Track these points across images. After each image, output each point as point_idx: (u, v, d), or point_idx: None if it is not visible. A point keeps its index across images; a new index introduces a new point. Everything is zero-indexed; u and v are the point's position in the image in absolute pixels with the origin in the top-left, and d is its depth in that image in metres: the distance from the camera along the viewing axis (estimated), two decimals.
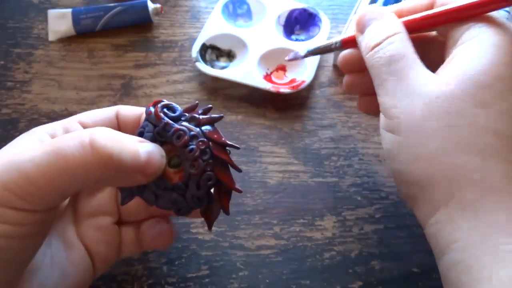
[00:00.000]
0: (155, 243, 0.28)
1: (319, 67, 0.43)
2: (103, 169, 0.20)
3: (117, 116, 0.27)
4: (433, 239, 0.22)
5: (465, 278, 0.20)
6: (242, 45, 0.43)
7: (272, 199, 0.36)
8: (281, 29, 0.45)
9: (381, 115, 0.25)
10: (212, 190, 0.25)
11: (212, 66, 0.42)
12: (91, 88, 0.42)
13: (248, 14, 0.47)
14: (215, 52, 0.44)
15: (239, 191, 0.25)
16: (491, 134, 0.21)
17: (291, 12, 0.46)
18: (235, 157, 0.38)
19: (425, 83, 0.23)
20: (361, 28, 0.27)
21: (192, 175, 0.23)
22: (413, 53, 0.24)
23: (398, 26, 0.25)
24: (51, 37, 0.45)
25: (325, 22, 0.44)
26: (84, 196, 0.27)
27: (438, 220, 0.22)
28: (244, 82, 0.40)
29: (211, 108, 0.26)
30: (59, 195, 0.20)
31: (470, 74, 0.22)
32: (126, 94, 0.42)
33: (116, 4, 0.45)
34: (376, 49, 0.25)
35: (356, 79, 0.30)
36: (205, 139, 0.24)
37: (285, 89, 0.40)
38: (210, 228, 0.26)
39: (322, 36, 0.43)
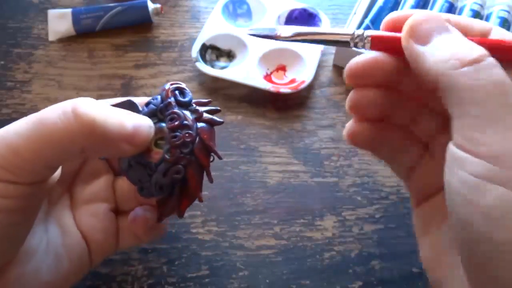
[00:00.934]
0: (130, 226, 0.27)
1: (319, 67, 0.43)
2: (86, 137, 0.20)
3: None
4: None
5: None
6: (242, 45, 0.43)
7: (272, 199, 0.36)
8: None
9: (471, 158, 0.17)
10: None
11: (212, 66, 0.42)
12: (91, 88, 0.42)
13: (248, 14, 0.47)
14: (215, 52, 0.44)
15: (200, 200, 0.24)
16: None
17: (291, 12, 0.46)
18: (235, 157, 0.38)
19: None
20: (424, 36, 0.19)
21: (165, 161, 0.23)
22: None
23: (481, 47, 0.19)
24: (51, 37, 0.45)
25: (325, 22, 0.44)
26: (81, 182, 0.27)
27: None
28: (244, 82, 0.40)
29: (218, 111, 0.26)
30: (45, 166, 0.20)
31: None
32: (126, 94, 0.42)
33: (116, 4, 0.45)
34: (478, 66, 0.18)
35: (368, 95, 0.22)
36: (193, 133, 0.23)
37: (285, 89, 0.40)
38: (159, 221, 0.26)
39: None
